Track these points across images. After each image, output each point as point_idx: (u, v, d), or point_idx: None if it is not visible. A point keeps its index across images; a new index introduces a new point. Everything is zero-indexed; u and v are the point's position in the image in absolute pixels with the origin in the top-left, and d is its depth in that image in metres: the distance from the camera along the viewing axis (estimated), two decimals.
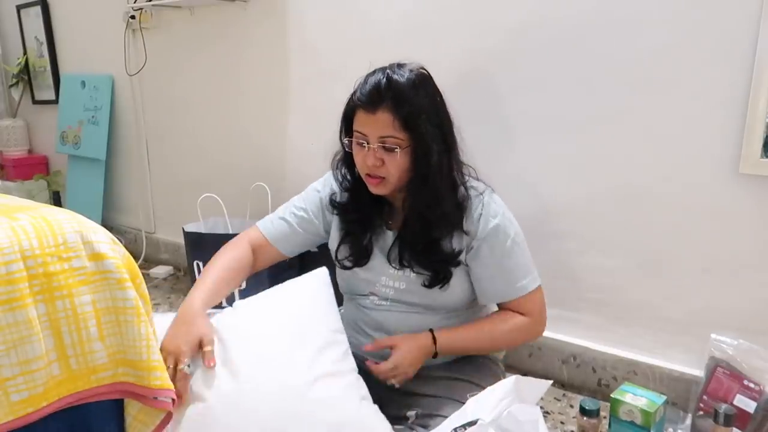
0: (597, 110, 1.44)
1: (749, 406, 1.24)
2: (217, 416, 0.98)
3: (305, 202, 1.34)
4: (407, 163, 1.13)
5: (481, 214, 1.17)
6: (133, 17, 2.42)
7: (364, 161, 1.14)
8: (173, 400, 0.99)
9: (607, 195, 1.47)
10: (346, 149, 1.21)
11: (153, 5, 2.28)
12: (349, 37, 1.85)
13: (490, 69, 1.58)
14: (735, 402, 1.25)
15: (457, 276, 1.18)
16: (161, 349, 0.97)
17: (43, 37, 2.95)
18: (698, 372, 1.37)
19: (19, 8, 3.03)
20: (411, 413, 1.14)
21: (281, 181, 2.14)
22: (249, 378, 1.00)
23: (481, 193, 1.19)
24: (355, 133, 1.15)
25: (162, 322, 1.06)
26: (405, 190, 1.18)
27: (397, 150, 1.11)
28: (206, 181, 2.36)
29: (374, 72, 1.15)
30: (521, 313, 1.20)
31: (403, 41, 1.71)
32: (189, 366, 1.01)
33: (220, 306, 1.97)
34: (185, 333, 1.04)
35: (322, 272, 1.19)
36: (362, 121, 1.13)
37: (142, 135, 2.64)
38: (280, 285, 1.18)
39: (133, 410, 0.99)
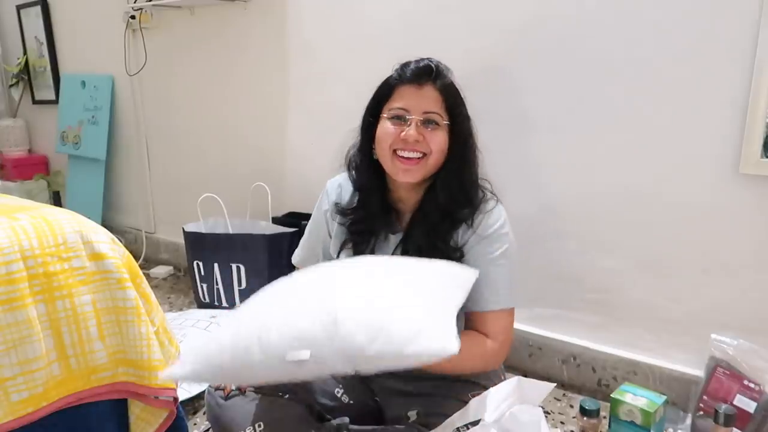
0: (597, 110, 1.45)
1: (749, 406, 1.24)
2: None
3: (314, 224, 1.35)
4: (446, 144, 1.14)
5: (490, 213, 1.16)
6: (133, 17, 2.42)
7: (401, 136, 1.11)
8: (174, 399, 0.99)
9: (607, 195, 1.47)
10: (367, 133, 1.20)
11: (153, 5, 2.28)
12: (349, 37, 1.85)
13: (490, 69, 1.58)
14: (735, 402, 1.25)
15: None
16: None
17: (43, 37, 2.95)
18: (698, 372, 1.37)
19: (19, 8, 3.03)
20: (412, 413, 1.14)
21: (281, 181, 2.14)
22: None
23: (494, 194, 1.19)
24: (394, 110, 1.14)
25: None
26: (432, 179, 1.16)
27: (440, 125, 1.12)
28: (206, 181, 2.36)
29: (416, 60, 1.17)
30: (485, 334, 1.15)
31: (403, 41, 1.71)
32: None
33: (221, 306, 1.98)
34: None
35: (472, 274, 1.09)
36: (407, 96, 1.13)
37: (142, 135, 2.64)
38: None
39: (136, 409, 0.99)
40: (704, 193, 1.34)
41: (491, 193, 1.20)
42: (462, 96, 1.18)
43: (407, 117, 1.12)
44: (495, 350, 1.14)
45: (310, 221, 1.36)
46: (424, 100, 1.12)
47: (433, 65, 1.14)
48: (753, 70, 1.23)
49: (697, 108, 1.32)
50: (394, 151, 1.13)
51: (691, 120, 1.33)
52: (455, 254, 1.15)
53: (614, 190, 1.46)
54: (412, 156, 1.11)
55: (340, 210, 1.25)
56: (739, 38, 1.24)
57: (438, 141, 1.12)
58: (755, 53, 1.22)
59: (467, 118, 1.18)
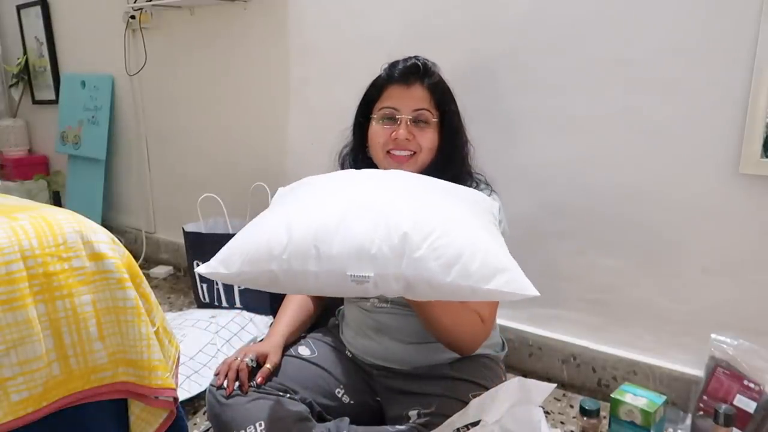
0: (597, 110, 1.44)
1: (749, 406, 1.24)
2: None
3: None
4: (436, 141, 1.15)
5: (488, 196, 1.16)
6: (133, 17, 2.42)
7: (391, 136, 1.14)
8: (174, 399, 0.99)
9: (607, 195, 1.47)
10: (358, 132, 1.22)
11: (153, 5, 2.28)
12: (349, 36, 1.85)
13: (490, 68, 1.58)
14: (735, 402, 1.25)
15: None
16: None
17: (43, 37, 2.95)
18: (698, 372, 1.37)
19: (19, 8, 3.03)
20: (413, 413, 1.14)
21: (281, 181, 2.13)
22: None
23: (488, 184, 1.21)
24: (384, 109, 1.16)
25: None
26: (425, 172, 1.16)
27: (430, 122, 1.14)
28: (206, 181, 2.36)
29: (403, 59, 1.19)
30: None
31: (403, 41, 1.71)
32: (252, 361, 1.15)
33: (221, 306, 1.98)
34: (260, 346, 1.19)
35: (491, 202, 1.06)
36: (396, 95, 1.15)
37: (142, 135, 2.64)
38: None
39: (136, 409, 0.99)
40: (704, 193, 1.34)
41: (485, 183, 1.21)
42: (450, 91, 1.20)
43: (397, 116, 1.14)
44: (483, 331, 1.16)
45: None
46: (412, 99, 1.14)
47: (420, 63, 1.16)
48: (753, 70, 1.23)
49: (697, 108, 1.31)
50: (387, 151, 1.16)
51: (691, 120, 1.33)
52: None
53: (614, 190, 1.46)
54: (403, 154, 1.15)
55: None
56: (739, 38, 1.24)
57: (427, 138, 1.15)
58: (755, 53, 1.22)
59: (456, 113, 1.20)
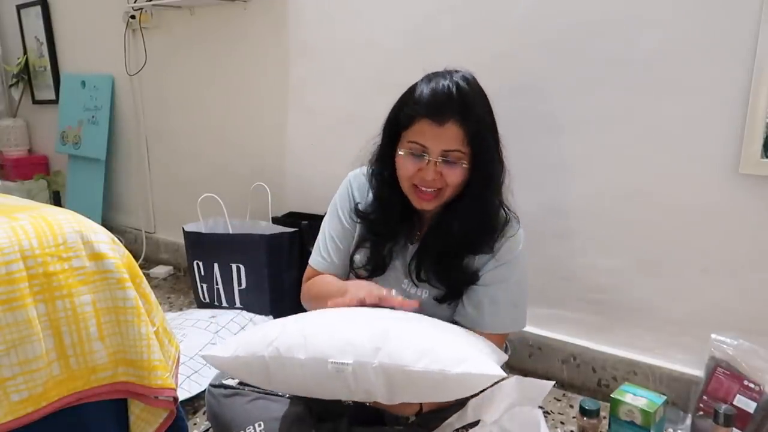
0: (597, 110, 1.44)
1: (749, 406, 1.24)
2: None
3: (341, 230, 1.27)
4: (465, 175, 1.09)
5: (513, 238, 1.14)
6: (133, 17, 2.42)
7: (420, 174, 1.08)
8: (174, 399, 0.99)
9: (607, 195, 1.47)
10: (387, 157, 1.16)
11: (153, 5, 2.28)
12: (348, 37, 1.85)
13: (491, 69, 1.57)
14: (735, 402, 1.25)
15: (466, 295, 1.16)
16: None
17: (43, 37, 2.95)
18: (698, 372, 1.37)
19: (19, 8, 3.03)
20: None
21: (281, 181, 2.14)
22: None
23: (517, 219, 1.17)
24: (411, 144, 1.08)
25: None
26: (450, 205, 1.14)
27: (461, 165, 1.07)
28: (206, 181, 2.37)
29: (434, 77, 1.08)
30: None
31: (403, 41, 1.71)
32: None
33: (221, 306, 1.98)
34: (361, 284, 1.15)
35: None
36: (426, 133, 1.06)
37: (142, 135, 2.64)
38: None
39: (136, 409, 0.99)
40: (704, 193, 1.34)
41: (513, 214, 1.17)
42: (487, 119, 1.10)
43: (425, 156, 1.08)
44: None
45: (331, 221, 1.28)
46: (444, 139, 1.05)
47: (454, 93, 1.04)
48: (753, 70, 1.23)
49: (697, 108, 1.31)
50: (413, 184, 1.12)
51: (691, 120, 1.33)
52: (471, 278, 1.14)
53: (614, 190, 1.46)
54: (429, 191, 1.10)
55: (361, 211, 1.23)
56: (739, 38, 1.24)
57: (456, 175, 1.08)
58: (755, 53, 1.22)
59: (492, 146, 1.10)
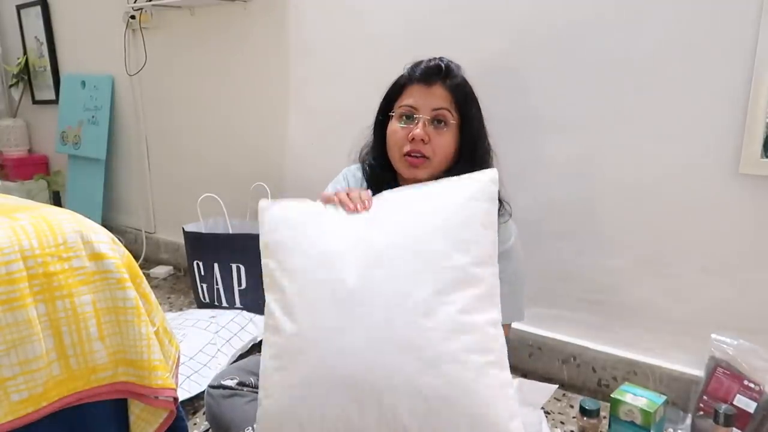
0: (597, 110, 1.44)
1: (749, 406, 1.24)
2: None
3: None
4: (453, 145, 1.14)
5: (504, 226, 1.15)
6: (133, 17, 2.42)
7: (408, 136, 1.12)
8: (174, 399, 0.99)
9: (607, 195, 1.47)
10: (379, 129, 1.20)
11: (153, 5, 2.28)
12: (349, 37, 1.85)
13: (491, 68, 1.57)
14: (735, 402, 1.25)
15: None
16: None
17: (43, 37, 2.95)
18: (698, 372, 1.37)
19: (19, 8, 3.03)
20: None
21: (281, 181, 2.14)
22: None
23: (509, 213, 1.18)
24: (403, 108, 1.15)
25: None
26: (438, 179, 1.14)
27: (449, 124, 1.12)
28: (206, 181, 2.36)
29: (427, 59, 1.18)
30: None
31: (403, 41, 1.71)
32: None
33: (221, 306, 1.98)
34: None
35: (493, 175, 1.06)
36: (416, 94, 1.14)
37: (142, 135, 2.64)
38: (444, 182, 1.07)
39: (136, 409, 0.99)
40: (704, 193, 1.34)
41: (507, 204, 1.18)
42: (474, 95, 1.18)
43: (416, 116, 1.13)
44: None
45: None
46: (434, 97, 1.13)
47: (443, 64, 1.14)
48: (753, 70, 1.23)
49: (697, 108, 1.31)
50: (404, 153, 1.14)
51: (691, 120, 1.33)
52: None
53: (614, 190, 1.46)
54: (418, 155, 1.13)
55: None
56: (739, 38, 1.24)
57: (443, 144, 1.12)
58: (755, 53, 1.22)
59: (478, 118, 1.17)
